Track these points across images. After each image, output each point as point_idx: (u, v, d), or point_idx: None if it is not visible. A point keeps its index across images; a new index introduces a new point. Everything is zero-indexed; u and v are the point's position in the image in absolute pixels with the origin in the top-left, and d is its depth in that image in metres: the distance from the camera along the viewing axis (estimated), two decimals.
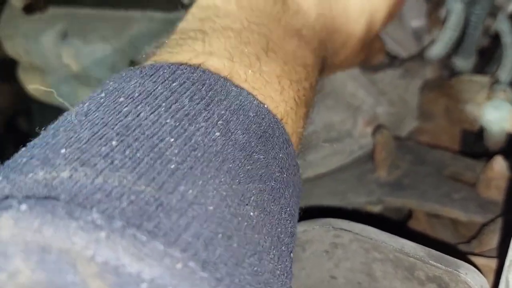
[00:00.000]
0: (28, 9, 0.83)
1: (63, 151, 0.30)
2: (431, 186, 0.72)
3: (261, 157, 0.37)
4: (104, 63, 0.75)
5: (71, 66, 0.81)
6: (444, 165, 0.75)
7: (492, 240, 0.61)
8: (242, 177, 0.34)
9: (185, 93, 0.35)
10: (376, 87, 0.86)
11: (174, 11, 0.72)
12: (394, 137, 0.83)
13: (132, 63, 0.69)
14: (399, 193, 0.72)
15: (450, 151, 0.81)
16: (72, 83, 0.85)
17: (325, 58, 0.55)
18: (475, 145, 0.87)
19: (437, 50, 0.82)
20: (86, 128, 0.32)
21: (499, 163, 0.67)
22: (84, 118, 0.33)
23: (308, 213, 0.55)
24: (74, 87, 0.85)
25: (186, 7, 0.72)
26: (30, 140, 0.34)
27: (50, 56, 0.82)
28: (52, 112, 0.95)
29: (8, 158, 0.33)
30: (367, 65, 0.83)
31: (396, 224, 0.73)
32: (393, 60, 0.88)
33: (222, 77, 0.38)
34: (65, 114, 0.36)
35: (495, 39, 0.95)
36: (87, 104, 0.35)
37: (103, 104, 0.34)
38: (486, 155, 0.84)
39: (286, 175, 0.40)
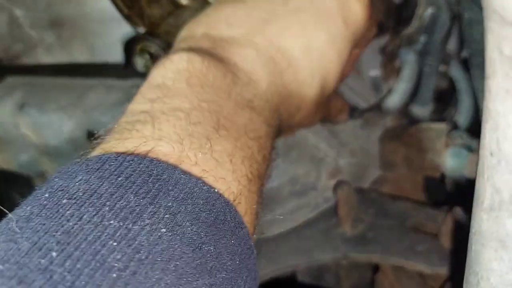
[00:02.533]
0: None
1: (0, 267, 0.29)
2: (394, 239, 0.72)
3: (211, 248, 0.36)
4: (61, 133, 0.74)
5: (29, 136, 0.80)
6: (406, 216, 0.75)
7: None
8: (190, 274, 0.33)
9: (131, 187, 0.34)
10: (337, 138, 0.87)
11: (131, 79, 0.73)
12: (357, 189, 0.83)
13: (90, 133, 0.69)
14: (364, 248, 0.72)
15: (413, 200, 0.82)
16: (32, 152, 0.85)
17: (280, 124, 0.55)
18: (438, 192, 0.88)
19: (394, 100, 0.84)
20: (26, 238, 0.31)
21: (458, 215, 0.68)
22: (25, 224, 0.33)
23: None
24: (34, 157, 0.85)
25: (141, 75, 0.73)
26: None
27: (8, 126, 0.81)
28: (14, 177, 0.93)
29: None
30: (331, 123, 0.84)
31: None
32: (352, 111, 0.90)
33: (170, 165, 0.37)
34: (6, 219, 0.35)
35: (452, 83, 0.98)
36: (30, 207, 0.34)
37: (46, 207, 0.33)
38: (449, 203, 0.85)
39: (239, 261, 0.39)
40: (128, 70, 0.72)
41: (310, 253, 0.73)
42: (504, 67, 0.37)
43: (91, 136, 0.72)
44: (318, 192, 0.83)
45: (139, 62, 0.70)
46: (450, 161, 0.82)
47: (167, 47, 0.70)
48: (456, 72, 0.93)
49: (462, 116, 0.93)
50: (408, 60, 0.86)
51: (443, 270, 0.68)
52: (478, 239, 0.41)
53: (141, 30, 0.70)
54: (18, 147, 0.84)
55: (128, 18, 0.70)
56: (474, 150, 0.86)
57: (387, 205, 0.78)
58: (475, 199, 0.41)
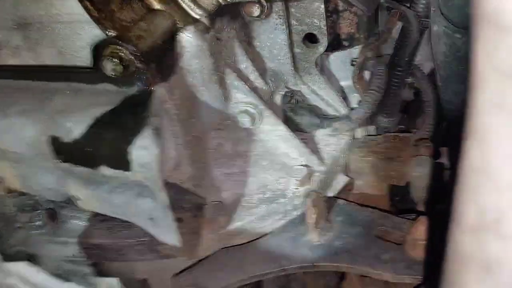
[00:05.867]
0: None
1: None
2: (361, 247, 0.73)
3: None
4: (22, 138, 0.71)
5: None
6: (373, 225, 0.77)
7: None
8: None
9: None
10: (307, 146, 0.88)
11: (99, 83, 0.71)
12: (325, 197, 0.84)
13: (54, 139, 0.67)
14: (331, 257, 0.73)
15: (380, 208, 0.83)
16: None
17: None
18: (404, 199, 0.90)
19: (363, 110, 0.86)
20: None
21: (423, 225, 0.70)
22: None
23: None
24: None
25: (111, 79, 0.72)
26: None
27: None
28: None
29: None
30: None
31: None
32: (323, 120, 0.91)
33: None
34: None
35: (418, 94, 1.00)
36: None
37: None
38: (414, 211, 0.87)
39: None
40: (97, 74, 0.70)
41: (277, 262, 0.73)
42: (496, 79, 0.33)
43: (55, 142, 0.70)
44: (288, 200, 0.83)
45: (108, 67, 0.68)
46: (415, 170, 0.84)
47: (138, 52, 0.68)
48: (423, 84, 0.95)
49: (428, 127, 0.96)
50: (377, 72, 0.87)
51: (408, 279, 0.70)
52: (457, 260, 0.39)
53: (111, 33, 0.68)
54: None
55: (97, 21, 0.68)
56: (438, 159, 0.89)
57: (355, 213, 0.79)
58: (454, 218, 0.39)
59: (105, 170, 0.61)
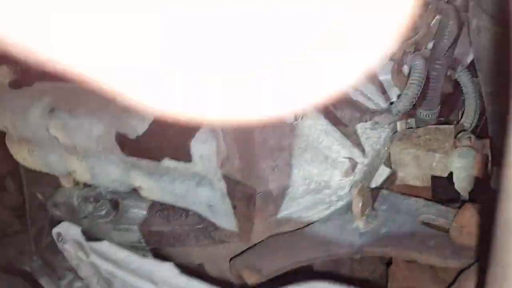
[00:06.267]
0: (15, 85, 0.86)
1: None
2: (407, 234, 0.76)
3: None
4: (90, 135, 0.77)
5: (58, 138, 0.83)
6: (418, 213, 0.79)
7: (469, 287, 0.65)
8: None
9: None
10: (349, 139, 0.91)
11: None
12: (369, 187, 0.87)
13: (120, 136, 0.72)
14: (378, 243, 0.76)
15: (423, 198, 0.85)
16: (60, 152, 0.88)
17: None
18: (447, 190, 0.91)
19: (403, 103, 0.88)
20: None
21: (469, 211, 0.72)
22: None
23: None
24: (61, 157, 0.88)
25: None
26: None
27: (38, 129, 0.84)
28: (38, 173, 0.96)
29: None
30: None
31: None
32: (363, 114, 0.93)
33: None
34: None
35: (458, 87, 1.02)
36: None
37: None
38: (458, 201, 0.89)
39: None
40: None
41: (327, 247, 0.77)
42: None
43: (121, 138, 0.75)
44: (332, 191, 0.86)
45: None
46: (457, 161, 0.86)
47: None
48: (462, 76, 0.97)
49: (469, 119, 0.97)
50: (417, 65, 0.90)
51: (454, 264, 0.72)
52: (506, 227, 0.42)
53: None
54: (47, 148, 0.87)
55: None
56: (479, 150, 0.90)
57: (399, 202, 0.81)
58: (501, 191, 0.42)
59: (168, 163, 0.66)
